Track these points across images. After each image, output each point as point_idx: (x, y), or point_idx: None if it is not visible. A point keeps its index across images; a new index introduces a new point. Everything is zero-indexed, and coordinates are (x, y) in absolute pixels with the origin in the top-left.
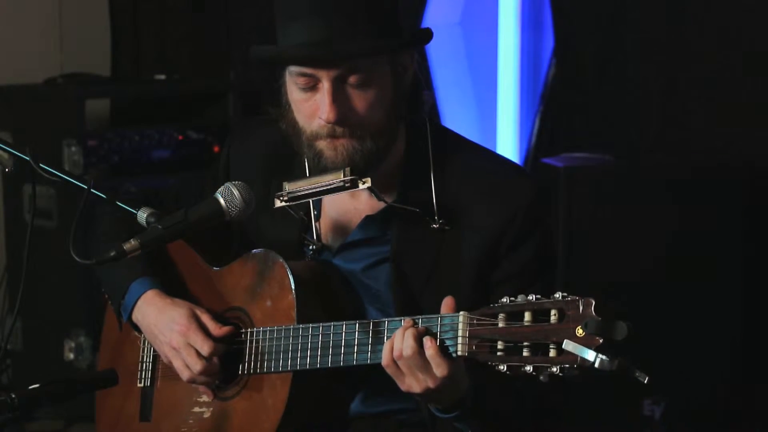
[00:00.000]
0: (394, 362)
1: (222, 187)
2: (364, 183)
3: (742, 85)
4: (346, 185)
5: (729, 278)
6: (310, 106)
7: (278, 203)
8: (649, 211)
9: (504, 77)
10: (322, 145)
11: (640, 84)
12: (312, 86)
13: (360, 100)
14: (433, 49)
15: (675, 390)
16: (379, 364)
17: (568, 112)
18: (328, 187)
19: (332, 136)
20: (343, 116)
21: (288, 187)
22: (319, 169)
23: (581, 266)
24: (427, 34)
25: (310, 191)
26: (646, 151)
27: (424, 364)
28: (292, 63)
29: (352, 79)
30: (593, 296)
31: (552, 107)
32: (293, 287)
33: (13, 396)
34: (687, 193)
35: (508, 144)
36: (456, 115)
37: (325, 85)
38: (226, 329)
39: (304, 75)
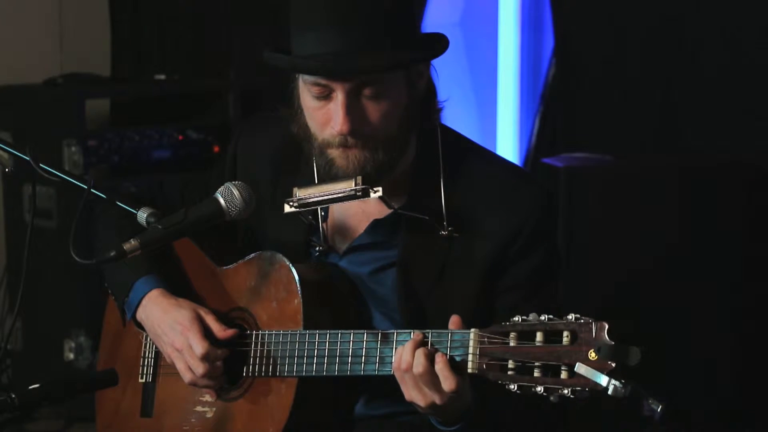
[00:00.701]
0: (401, 372)
1: (222, 187)
2: (375, 192)
3: (741, 85)
4: (358, 194)
5: (729, 278)
6: (324, 114)
7: (288, 209)
8: (649, 211)
9: (504, 77)
10: (334, 153)
11: (640, 84)
12: (326, 95)
13: (374, 112)
14: None
15: (675, 390)
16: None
17: (568, 112)
18: (339, 195)
19: (344, 145)
20: (357, 128)
21: (298, 193)
22: (329, 175)
23: (581, 266)
24: (443, 44)
25: (321, 199)
26: (646, 151)
27: (433, 381)
28: (308, 73)
29: (367, 91)
30: (607, 320)
31: (552, 107)
32: (299, 291)
33: (13, 396)
34: (687, 193)
35: (508, 144)
36: (456, 115)
37: (340, 97)
38: (230, 332)
39: (318, 84)
